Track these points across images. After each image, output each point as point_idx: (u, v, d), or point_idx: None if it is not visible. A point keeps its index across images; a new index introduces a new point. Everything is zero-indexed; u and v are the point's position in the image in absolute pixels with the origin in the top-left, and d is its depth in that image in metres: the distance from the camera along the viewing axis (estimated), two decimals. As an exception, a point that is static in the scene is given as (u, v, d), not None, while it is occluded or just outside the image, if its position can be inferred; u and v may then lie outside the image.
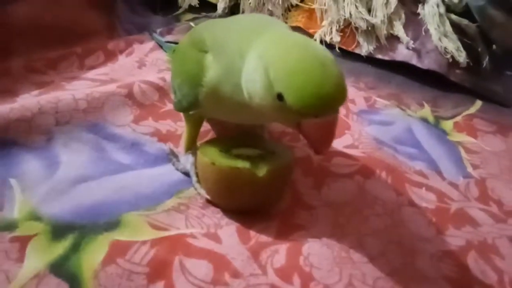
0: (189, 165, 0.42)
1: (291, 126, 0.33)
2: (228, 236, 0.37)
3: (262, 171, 0.37)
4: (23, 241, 0.34)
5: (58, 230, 0.35)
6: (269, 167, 0.37)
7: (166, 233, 0.36)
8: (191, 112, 0.40)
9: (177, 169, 0.44)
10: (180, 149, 0.46)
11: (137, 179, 0.42)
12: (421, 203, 0.45)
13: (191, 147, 0.44)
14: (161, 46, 0.66)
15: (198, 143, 0.44)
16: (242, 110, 0.36)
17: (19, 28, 0.57)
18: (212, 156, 0.38)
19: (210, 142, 0.43)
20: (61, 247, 0.34)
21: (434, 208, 0.45)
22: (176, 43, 0.60)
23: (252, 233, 0.38)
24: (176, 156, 0.45)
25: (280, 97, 0.30)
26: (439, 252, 0.39)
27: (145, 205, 0.39)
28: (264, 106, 0.32)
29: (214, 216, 0.39)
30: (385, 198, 0.44)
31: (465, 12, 0.72)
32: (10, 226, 0.35)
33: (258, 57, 0.31)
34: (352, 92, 0.62)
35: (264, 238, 0.38)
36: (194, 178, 0.42)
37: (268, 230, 0.39)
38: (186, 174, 0.43)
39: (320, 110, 0.29)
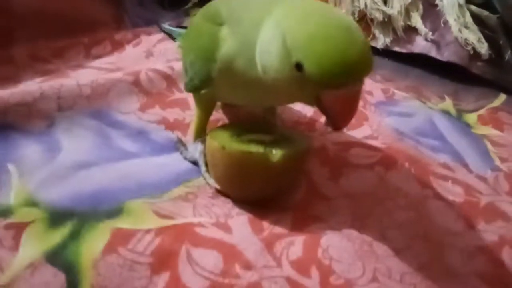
0: (197, 153, 0.40)
1: (309, 102, 0.30)
2: (240, 226, 0.34)
3: (276, 155, 0.34)
4: (19, 228, 0.31)
5: (56, 217, 0.32)
6: (284, 152, 0.34)
7: (172, 222, 0.33)
8: (202, 91, 0.37)
9: (185, 158, 0.41)
10: (189, 137, 0.43)
11: (143, 167, 0.40)
12: (448, 196, 0.42)
13: (201, 135, 0.41)
14: (170, 36, 0.64)
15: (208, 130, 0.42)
16: (256, 88, 0.33)
17: (22, 15, 0.55)
18: (222, 141, 0.35)
19: (220, 128, 0.40)
20: (58, 235, 0.31)
21: (462, 201, 0.41)
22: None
23: (265, 224, 0.35)
24: (184, 144, 0.43)
25: (298, 66, 0.27)
26: (470, 247, 0.36)
27: (150, 193, 0.36)
28: (279, 80, 0.29)
29: (225, 206, 0.36)
30: (408, 190, 0.41)
31: (485, 3, 0.69)
32: (5, 212, 0.32)
33: (274, 25, 0.29)
34: (368, 83, 0.59)
35: (278, 229, 0.35)
36: (203, 168, 0.39)
37: (283, 221, 0.36)
38: (195, 163, 0.40)
39: (343, 80, 0.26)
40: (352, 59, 0.26)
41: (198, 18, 0.40)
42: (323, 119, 0.31)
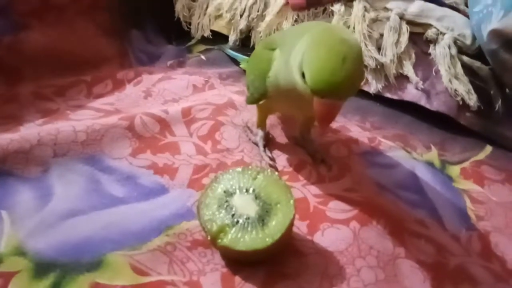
0: (258, 138, 0.53)
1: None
2: (211, 284, 0.36)
3: (271, 239, 0.37)
4: (7, 278, 0.34)
5: (41, 268, 0.35)
6: (274, 240, 0.37)
7: (146, 279, 0.35)
8: (260, 103, 0.48)
9: (249, 140, 0.54)
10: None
11: (127, 214, 0.42)
12: (419, 256, 0.43)
13: (261, 126, 0.53)
14: (234, 60, 0.73)
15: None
16: (291, 97, 0.42)
17: (30, 55, 0.59)
18: (216, 228, 0.37)
19: (219, 183, 0.41)
20: (41, 287, 0.33)
21: (432, 262, 0.43)
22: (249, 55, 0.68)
23: (236, 280, 0.37)
24: (250, 129, 0.55)
25: (303, 75, 0.37)
26: (432, 312, 0.38)
27: (131, 244, 0.39)
28: (298, 86, 0.38)
29: (200, 260, 0.38)
30: (380, 248, 0.43)
31: (478, 54, 0.71)
32: (-5, 260, 0.35)
33: (299, 48, 0.38)
34: (356, 132, 0.61)
35: (248, 286, 0.37)
36: (261, 148, 0.52)
37: (254, 277, 0.38)
38: (256, 144, 0.53)
39: (324, 94, 0.35)
40: (334, 83, 0.34)
41: (259, 47, 0.50)
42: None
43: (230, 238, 0.37)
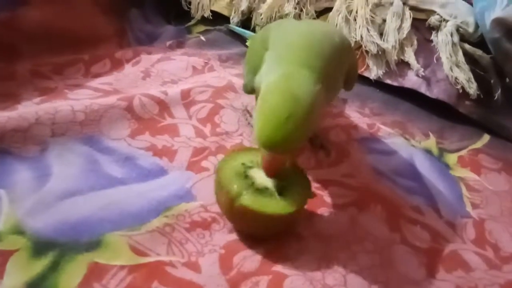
0: None
1: None
2: (209, 265, 0.36)
3: (288, 208, 0.37)
4: (5, 256, 0.34)
5: (39, 247, 0.35)
6: (296, 208, 0.37)
7: (145, 260, 0.35)
8: (254, 94, 0.47)
9: (248, 123, 0.53)
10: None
11: (126, 195, 0.42)
12: (414, 242, 0.44)
13: None
14: (241, 37, 0.72)
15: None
16: None
17: (27, 31, 0.58)
18: (232, 182, 0.37)
19: (234, 156, 0.41)
20: (40, 265, 0.34)
21: (427, 248, 0.43)
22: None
23: (235, 261, 0.37)
24: (249, 113, 0.54)
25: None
26: (426, 297, 0.38)
27: (129, 225, 0.39)
28: None
29: (198, 241, 0.38)
30: (377, 233, 0.43)
31: (480, 42, 0.70)
32: (-7, 238, 0.35)
33: (266, 82, 0.38)
34: (355, 118, 0.61)
35: (247, 267, 0.37)
36: None
37: (253, 258, 0.38)
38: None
39: (266, 149, 0.36)
40: (274, 142, 0.35)
41: (256, 38, 0.50)
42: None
43: (250, 199, 0.36)
